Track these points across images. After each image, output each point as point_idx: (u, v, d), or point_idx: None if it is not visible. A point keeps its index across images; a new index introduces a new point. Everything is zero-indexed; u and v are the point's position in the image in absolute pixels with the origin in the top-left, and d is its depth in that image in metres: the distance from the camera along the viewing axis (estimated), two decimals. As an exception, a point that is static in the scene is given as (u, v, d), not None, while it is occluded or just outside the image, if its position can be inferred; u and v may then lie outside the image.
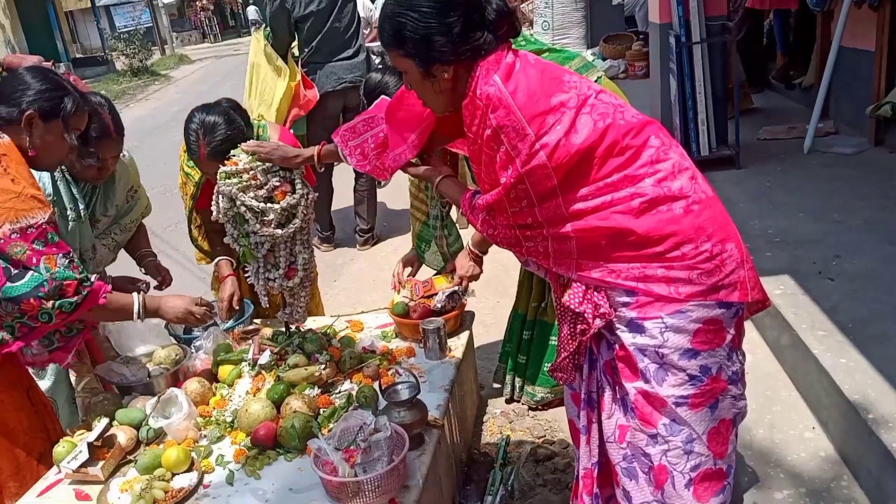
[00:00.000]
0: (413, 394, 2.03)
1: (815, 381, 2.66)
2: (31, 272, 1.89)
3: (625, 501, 1.80)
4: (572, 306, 1.72)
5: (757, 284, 1.68)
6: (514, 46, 1.69)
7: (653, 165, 1.59)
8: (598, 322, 1.68)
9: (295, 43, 4.98)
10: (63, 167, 2.39)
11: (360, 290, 4.52)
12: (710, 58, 4.82)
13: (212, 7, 32.57)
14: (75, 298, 1.94)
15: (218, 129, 2.38)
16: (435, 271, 2.88)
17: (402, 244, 5.27)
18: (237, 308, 2.77)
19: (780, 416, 2.72)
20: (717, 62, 4.89)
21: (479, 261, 2.57)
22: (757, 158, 5.03)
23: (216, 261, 2.84)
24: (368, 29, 7.83)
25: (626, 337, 1.67)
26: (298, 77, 4.61)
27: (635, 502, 1.77)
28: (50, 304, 1.90)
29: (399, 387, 2.07)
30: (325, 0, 4.77)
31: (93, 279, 2.02)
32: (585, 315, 1.70)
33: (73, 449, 2.05)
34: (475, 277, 2.61)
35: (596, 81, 2.49)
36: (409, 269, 2.93)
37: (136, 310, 2.16)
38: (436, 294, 2.66)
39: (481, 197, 1.73)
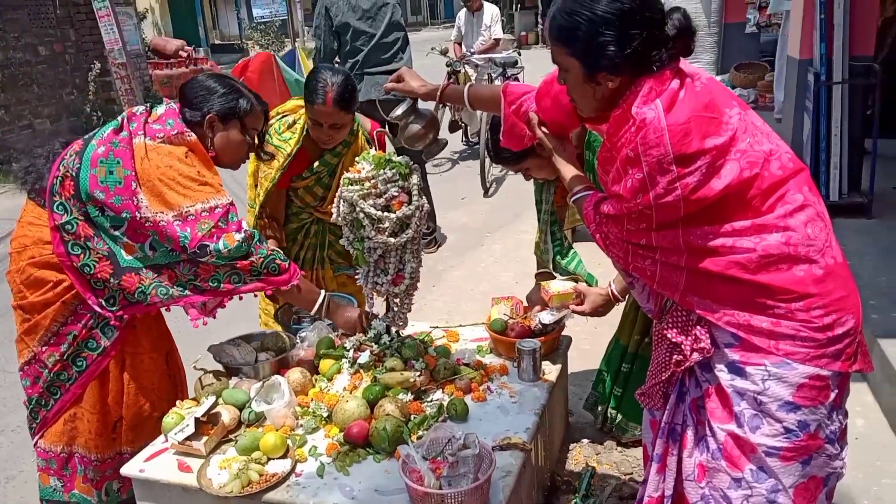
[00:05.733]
0: (410, 104, 2.22)
1: (934, 459, 2.47)
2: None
3: None
4: (670, 336, 1.69)
5: (863, 356, 1.62)
6: None
7: (785, 220, 1.53)
8: (696, 356, 1.65)
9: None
10: None
11: (457, 299, 4.57)
12: (850, 99, 4.56)
13: (343, 5, 33.67)
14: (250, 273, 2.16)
15: (343, 81, 2.66)
16: (563, 280, 2.70)
17: (502, 255, 5.30)
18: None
19: (890, 489, 2.54)
20: (858, 104, 4.62)
21: (611, 306, 2.53)
22: (890, 209, 4.72)
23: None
24: (486, 37, 8.14)
25: (725, 377, 1.63)
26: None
27: None
28: (224, 270, 2.12)
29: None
30: (366, 13, 4.94)
31: (281, 259, 2.21)
32: (683, 347, 1.67)
33: (180, 421, 2.19)
34: (598, 316, 2.56)
35: None
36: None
37: (317, 307, 2.38)
38: (542, 309, 2.61)
39: (606, 203, 1.68)
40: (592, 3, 1.52)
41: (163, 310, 2.30)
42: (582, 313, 2.56)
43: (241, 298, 2.26)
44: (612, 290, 2.50)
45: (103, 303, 2.18)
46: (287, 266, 2.21)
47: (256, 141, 2.40)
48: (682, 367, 1.70)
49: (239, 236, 2.10)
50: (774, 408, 1.58)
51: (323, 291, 2.40)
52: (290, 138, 2.85)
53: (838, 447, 1.66)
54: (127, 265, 2.12)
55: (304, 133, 2.85)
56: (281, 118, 2.93)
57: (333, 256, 3.21)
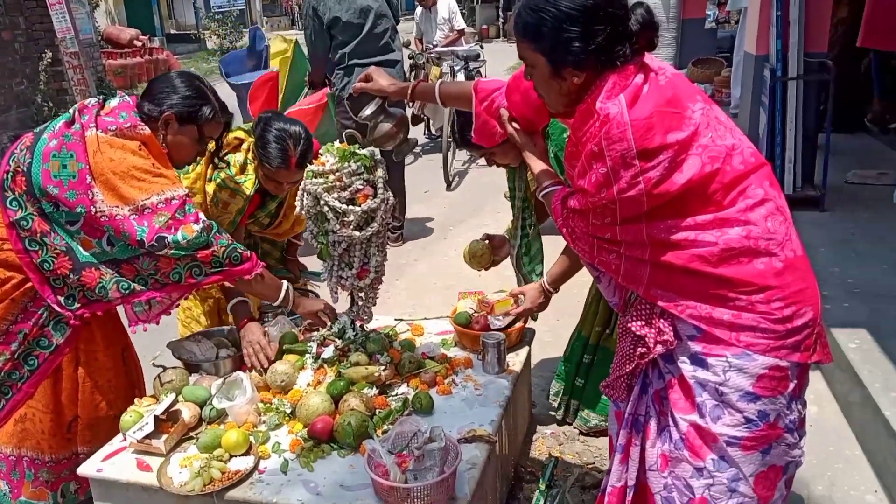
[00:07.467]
0: (379, 103, 2.23)
1: (884, 444, 2.55)
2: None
3: None
4: (634, 329, 1.72)
5: (822, 347, 1.66)
6: None
7: (745, 214, 1.56)
8: (659, 348, 1.68)
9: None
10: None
11: (421, 292, 4.56)
12: (804, 95, 4.67)
13: (303, -5, 33.27)
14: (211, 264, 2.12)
15: (304, 139, 2.49)
16: (499, 292, 2.86)
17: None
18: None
19: (842, 473, 2.62)
20: (812, 100, 4.74)
21: (549, 297, 2.59)
22: (843, 202, 4.85)
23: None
24: (448, 30, 8.15)
25: (687, 369, 1.66)
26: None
27: None
28: (185, 262, 2.07)
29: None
30: (351, 4, 4.84)
31: (241, 249, 2.17)
32: (647, 339, 1.69)
33: (139, 419, 2.14)
34: (541, 309, 2.62)
35: None
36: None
37: (283, 295, 2.34)
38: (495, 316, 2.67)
39: (572, 198, 1.70)
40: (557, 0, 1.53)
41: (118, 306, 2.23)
42: (528, 312, 2.61)
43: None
44: (544, 284, 2.56)
45: (63, 301, 2.12)
46: (248, 255, 2.18)
47: (213, 147, 2.37)
48: (646, 360, 1.72)
49: (197, 227, 2.06)
50: (735, 398, 1.61)
51: (285, 281, 2.37)
52: (245, 181, 2.65)
53: (797, 436, 1.70)
54: (86, 260, 2.07)
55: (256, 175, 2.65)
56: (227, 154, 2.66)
57: (273, 263, 3.08)
